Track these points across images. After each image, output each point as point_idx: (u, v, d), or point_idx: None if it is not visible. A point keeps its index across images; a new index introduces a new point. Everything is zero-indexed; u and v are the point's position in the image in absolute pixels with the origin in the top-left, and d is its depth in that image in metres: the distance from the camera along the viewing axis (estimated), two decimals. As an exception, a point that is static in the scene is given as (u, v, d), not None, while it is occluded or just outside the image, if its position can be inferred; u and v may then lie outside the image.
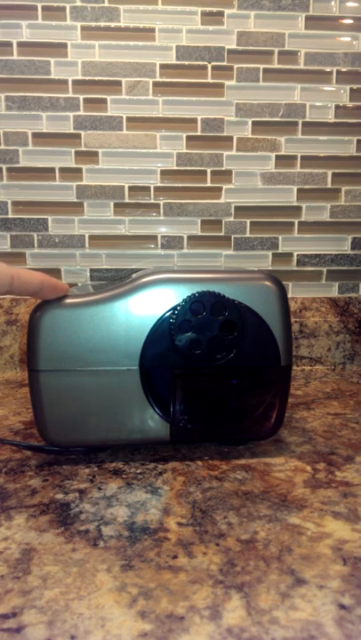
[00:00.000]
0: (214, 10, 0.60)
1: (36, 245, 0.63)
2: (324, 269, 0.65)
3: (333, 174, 0.64)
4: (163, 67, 0.61)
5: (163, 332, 0.33)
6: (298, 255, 0.65)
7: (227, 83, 0.61)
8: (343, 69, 0.62)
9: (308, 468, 0.34)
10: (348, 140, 0.63)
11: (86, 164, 0.62)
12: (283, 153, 0.63)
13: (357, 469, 0.34)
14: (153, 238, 0.64)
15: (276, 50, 0.61)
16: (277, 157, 0.63)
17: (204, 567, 0.24)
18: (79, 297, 0.34)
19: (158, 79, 0.61)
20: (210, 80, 0.61)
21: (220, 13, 0.60)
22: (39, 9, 0.59)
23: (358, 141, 0.63)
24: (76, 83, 0.60)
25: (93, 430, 0.34)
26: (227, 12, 0.60)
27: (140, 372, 0.33)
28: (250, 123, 0.62)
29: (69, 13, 0.59)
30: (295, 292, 0.65)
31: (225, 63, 0.61)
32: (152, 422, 0.34)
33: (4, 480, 0.33)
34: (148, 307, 0.33)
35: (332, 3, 0.61)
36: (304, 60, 0.61)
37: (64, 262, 0.63)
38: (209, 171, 0.63)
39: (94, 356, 0.33)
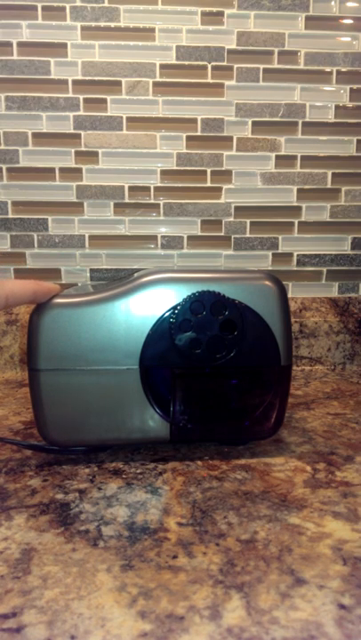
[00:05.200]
0: (214, 10, 0.60)
1: (36, 245, 0.63)
2: (324, 269, 0.65)
3: (333, 174, 0.64)
4: (163, 67, 0.61)
5: (163, 331, 0.33)
6: (298, 255, 0.65)
7: (227, 83, 0.61)
8: (343, 69, 0.62)
9: (308, 468, 0.34)
10: (348, 140, 0.63)
11: (86, 164, 0.62)
12: (283, 153, 0.63)
13: (357, 469, 0.34)
14: (153, 238, 0.64)
15: (276, 50, 0.61)
16: (277, 157, 0.63)
17: (204, 567, 0.24)
18: (79, 296, 0.34)
19: (158, 79, 0.61)
20: (210, 80, 0.61)
21: (220, 13, 0.60)
22: (39, 9, 0.59)
23: (358, 141, 0.63)
24: (76, 83, 0.60)
25: (93, 430, 0.34)
26: (227, 12, 0.60)
27: (140, 371, 0.33)
28: (250, 123, 0.62)
29: (69, 13, 0.59)
30: (295, 291, 0.65)
31: (225, 63, 0.61)
32: (152, 422, 0.34)
33: (3, 480, 0.33)
34: (148, 306, 0.33)
35: (332, 3, 0.61)
36: (304, 59, 0.61)
37: (64, 262, 0.63)
38: (209, 171, 0.63)
39: (94, 355, 0.33)
